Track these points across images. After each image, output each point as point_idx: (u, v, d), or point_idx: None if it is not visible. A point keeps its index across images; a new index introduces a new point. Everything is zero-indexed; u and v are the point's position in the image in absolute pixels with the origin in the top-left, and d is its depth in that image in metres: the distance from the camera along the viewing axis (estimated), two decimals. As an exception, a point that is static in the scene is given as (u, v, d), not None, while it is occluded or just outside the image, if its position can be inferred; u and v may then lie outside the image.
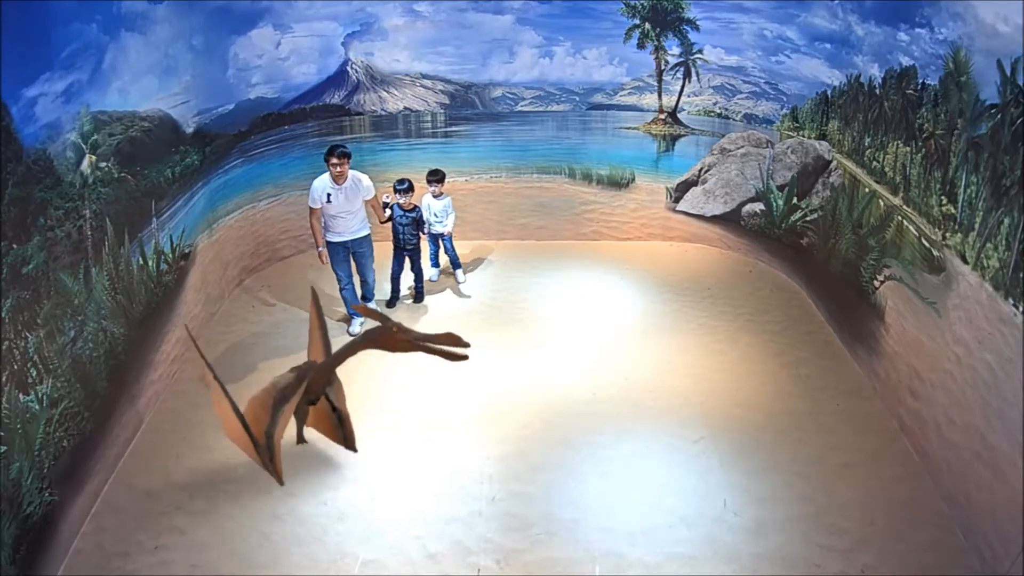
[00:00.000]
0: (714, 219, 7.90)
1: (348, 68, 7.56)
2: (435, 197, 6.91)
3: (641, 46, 7.49)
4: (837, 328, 6.30)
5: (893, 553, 4.06)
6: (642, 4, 7.26)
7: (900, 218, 5.15)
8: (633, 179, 8.04)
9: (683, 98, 7.75)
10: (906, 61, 5.11)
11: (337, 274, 6.25)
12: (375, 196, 6.24)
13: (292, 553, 4.13)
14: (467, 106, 7.88)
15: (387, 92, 7.76)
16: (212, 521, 4.33)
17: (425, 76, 7.72)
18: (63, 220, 4.05)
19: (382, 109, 7.81)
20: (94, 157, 4.44)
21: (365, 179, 6.08)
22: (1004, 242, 3.84)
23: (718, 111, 7.69)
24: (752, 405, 5.34)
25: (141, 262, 5.10)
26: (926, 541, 4.14)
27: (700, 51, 7.43)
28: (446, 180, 7.00)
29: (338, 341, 6.22)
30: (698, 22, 7.26)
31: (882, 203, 5.47)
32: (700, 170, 7.89)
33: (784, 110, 7.18)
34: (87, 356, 4.33)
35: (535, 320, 6.58)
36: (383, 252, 6.75)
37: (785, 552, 4.07)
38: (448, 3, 7.30)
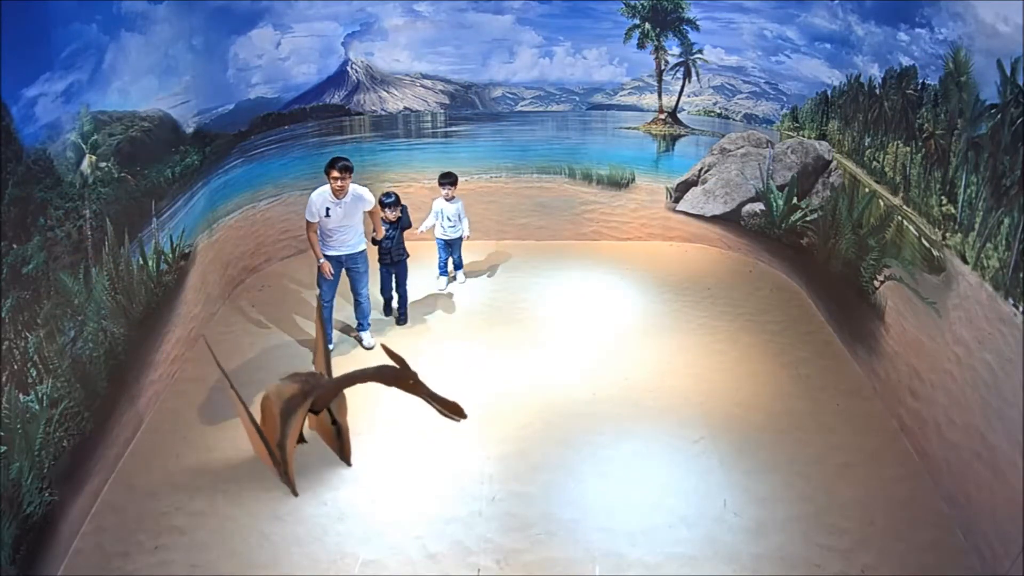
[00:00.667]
0: (714, 219, 7.90)
1: (348, 68, 7.56)
2: (447, 200, 6.80)
3: (641, 46, 7.49)
4: (837, 328, 6.30)
5: (893, 553, 4.06)
6: (642, 4, 7.26)
7: (900, 218, 5.15)
8: (633, 179, 8.04)
9: (683, 98, 7.74)
10: (906, 61, 5.11)
11: (322, 288, 5.89)
12: (375, 208, 6.00)
13: (292, 553, 4.13)
14: (467, 106, 7.88)
15: (387, 92, 7.76)
16: (212, 521, 4.33)
17: (425, 76, 7.72)
18: (63, 220, 4.05)
19: (382, 109, 7.81)
20: (94, 157, 4.44)
21: (367, 193, 5.79)
22: (1004, 242, 3.84)
23: (718, 111, 7.69)
24: (752, 405, 5.34)
25: (141, 262, 5.10)
26: (926, 541, 4.14)
27: (700, 51, 7.43)
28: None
29: (346, 344, 6.25)
30: (698, 22, 7.26)
31: (882, 203, 5.47)
32: (700, 170, 7.89)
33: (784, 110, 7.18)
34: (87, 356, 4.33)
35: (535, 320, 6.58)
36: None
37: (785, 552, 4.07)
38: (448, 3, 7.30)
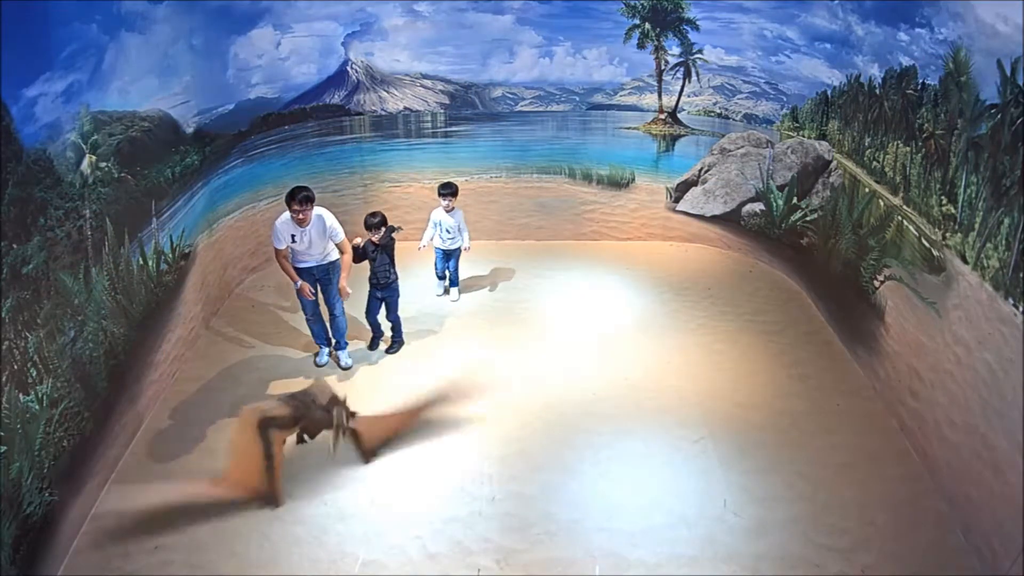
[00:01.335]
0: (714, 219, 7.90)
1: (348, 68, 7.55)
2: (447, 212, 6.56)
3: (641, 46, 7.48)
4: (837, 328, 6.30)
5: (893, 553, 4.05)
6: (642, 4, 7.26)
7: (900, 218, 5.15)
8: (633, 179, 8.03)
9: (683, 98, 7.74)
10: (906, 61, 5.11)
11: (303, 304, 5.70)
12: (344, 241, 5.59)
13: (292, 553, 4.13)
14: (467, 106, 7.88)
15: (387, 92, 7.76)
16: (212, 521, 4.33)
17: (425, 76, 7.72)
18: (63, 220, 4.05)
19: (382, 109, 7.81)
20: (94, 157, 4.44)
21: (328, 217, 5.47)
22: (1004, 242, 3.84)
23: (718, 111, 7.68)
24: (752, 405, 5.34)
25: (141, 262, 5.10)
26: (926, 541, 4.14)
27: (700, 51, 7.43)
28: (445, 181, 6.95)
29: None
30: (698, 22, 7.25)
31: (882, 203, 5.47)
32: (700, 170, 7.89)
33: (784, 110, 7.18)
34: (87, 356, 4.33)
35: (535, 320, 6.58)
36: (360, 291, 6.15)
37: (785, 552, 4.07)
38: (448, 3, 7.29)
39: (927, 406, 4.67)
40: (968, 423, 4.15)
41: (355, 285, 5.98)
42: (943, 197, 4.55)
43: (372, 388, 5.60)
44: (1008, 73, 3.83)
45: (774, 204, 7.34)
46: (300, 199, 5.22)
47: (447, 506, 4.42)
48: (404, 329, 6.23)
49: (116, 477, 4.66)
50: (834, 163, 6.50)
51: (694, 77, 7.60)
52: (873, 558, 4.02)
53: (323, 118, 7.59)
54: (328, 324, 5.89)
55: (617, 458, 4.81)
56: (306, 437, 4.69)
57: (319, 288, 5.71)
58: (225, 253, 6.80)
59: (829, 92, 6.50)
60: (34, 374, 3.76)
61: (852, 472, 4.66)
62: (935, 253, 4.64)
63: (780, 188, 7.26)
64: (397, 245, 5.98)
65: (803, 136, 6.93)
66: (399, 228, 5.96)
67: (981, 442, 3.99)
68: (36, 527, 3.74)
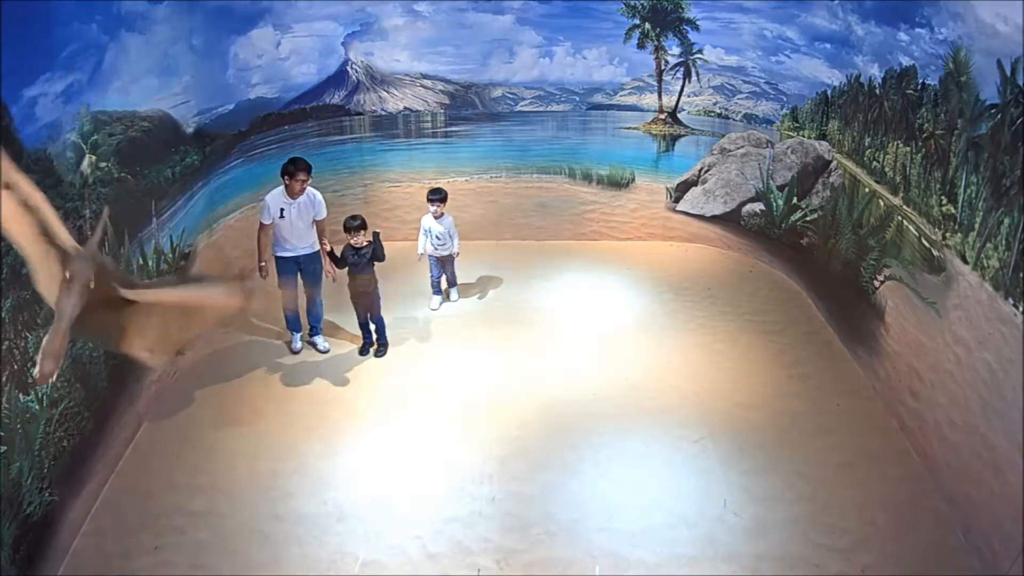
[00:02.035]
0: (714, 219, 7.90)
1: (348, 68, 7.56)
2: (435, 218, 6.45)
3: (641, 46, 7.48)
4: (837, 328, 6.30)
5: (893, 553, 4.05)
6: (642, 4, 7.25)
7: (900, 218, 5.14)
8: (633, 179, 8.03)
9: (683, 98, 7.74)
10: (906, 61, 5.11)
11: (284, 290, 5.79)
12: (324, 219, 5.81)
13: (292, 553, 4.13)
14: (467, 106, 7.88)
15: (387, 92, 7.76)
16: (212, 521, 4.33)
17: (425, 76, 7.72)
18: (63, 220, 4.05)
19: (382, 109, 7.81)
20: (94, 157, 4.44)
21: (319, 196, 5.76)
22: (1004, 242, 3.84)
23: (718, 111, 7.68)
24: (752, 405, 5.33)
25: (141, 262, 5.10)
26: (926, 541, 4.14)
27: (700, 51, 7.43)
28: (444, 183, 6.91)
29: (347, 343, 6.24)
30: (698, 22, 7.25)
31: (882, 203, 5.47)
32: (700, 170, 7.89)
33: (784, 110, 7.18)
34: (87, 356, 4.33)
35: (535, 320, 6.58)
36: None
37: (785, 552, 4.07)
38: (448, 3, 7.29)
39: (927, 406, 4.67)
40: (968, 423, 4.15)
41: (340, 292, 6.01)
42: (943, 197, 4.55)
43: (371, 387, 5.60)
44: (1008, 73, 3.83)
45: (774, 204, 7.34)
46: (304, 167, 5.53)
47: (447, 506, 4.42)
48: (404, 328, 6.22)
49: (116, 477, 4.66)
50: (834, 163, 6.50)
51: (694, 77, 7.60)
52: (873, 558, 4.02)
53: (323, 118, 7.59)
54: (306, 310, 6.07)
55: (617, 458, 4.81)
56: None
57: (302, 276, 5.89)
58: (225, 253, 6.79)
59: (829, 92, 6.50)
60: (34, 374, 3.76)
61: (852, 472, 4.66)
62: (935, 253, 4.64)
63: (780, 188, 7.26)
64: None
65: (803, 136, 6.93)
66: (377, 232, 5.86)
67: (981, 442, 3.99)
68: (36, 527, 3.74)
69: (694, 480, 4.61)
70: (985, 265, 4.02)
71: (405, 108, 7.84)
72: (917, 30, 4.91)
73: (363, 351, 6.08)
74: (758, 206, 7.58)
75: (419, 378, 5.70)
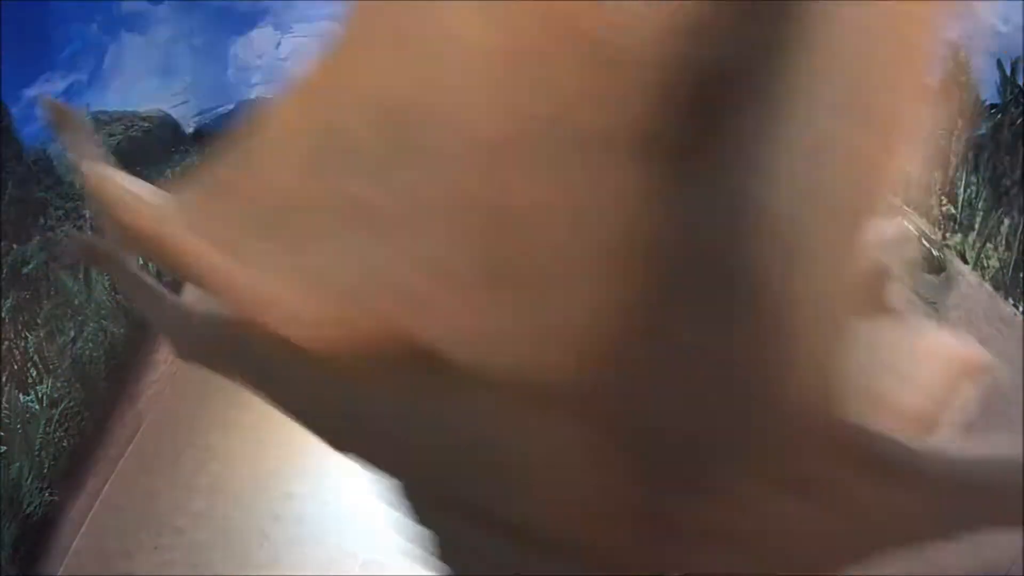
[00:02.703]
0: (714, 219, 7.89)
1: (348, 68, 7.55)
2: None
3: (641, 46, 7.48)
4: (837, 328, 6.29)
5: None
6: (642, 4, 7.25)
7: (900, 218, 5.13)
8: (633, 179, 8.02)
9: (683, 98, 7.73)
10: (906, 61, 5.10)
11: None
12: None
13: (292, 553, 4.12)
14: (467, 106, 7.87)
15: (387, 92, 7.76)
16: (212, 521, 4.32)
17: (425, 76, 7.72)
18: (63, 220, 4.06)
19: (382, 109, 7.80)
20: (94, 157, 4.44)
21: None
22: (1004, 242, 3.84)
23: (718, 111, 7.68)
24: (752, 405, 5.32)
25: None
26: (926, 541, 4.13)
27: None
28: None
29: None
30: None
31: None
32: (700, 170, 7.88)
33: (784, 110, 7.17)
34: (87, 356, 4.33)
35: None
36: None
37: (785, 552, 4.06)
38: (448, 3, 7.29)
39: (927, 406, 4.66)
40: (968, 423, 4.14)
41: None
42: (943, 197, 4.54)
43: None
44: (1008, 73, 3.83)
45: (774, 204, 7.33)
46: None
47: (447, 506, 4.41)
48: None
49: (116, 477, 4.66)
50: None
51: (694, 77, 7.60)
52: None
53: (323, 118, 7.59)
54: None
55: (617, 458, 4.81)
56: None
57: None
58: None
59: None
60: (34, 374, 3.76)
61: (852, 472, 4.66)
62: (935, 253, 4.63)
63: (780, 188, 7.25)
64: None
65: (803, 136, 6.92)
66: None
67: (981, 442, 3.98)
68: (36, 527, 3.74)
69: (694, 480, 4.60)
70: (985, 265, 4.02)
71: (405, 108, 7.84)
72: (917, 30, 4.90)
73: None
74: (758, 206, 7.57)
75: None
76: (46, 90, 3.94)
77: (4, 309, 3.47)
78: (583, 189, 0.60)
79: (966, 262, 4.23)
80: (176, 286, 1.66)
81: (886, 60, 0.75)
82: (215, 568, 4.20)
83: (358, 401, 0.90)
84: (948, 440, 1.00)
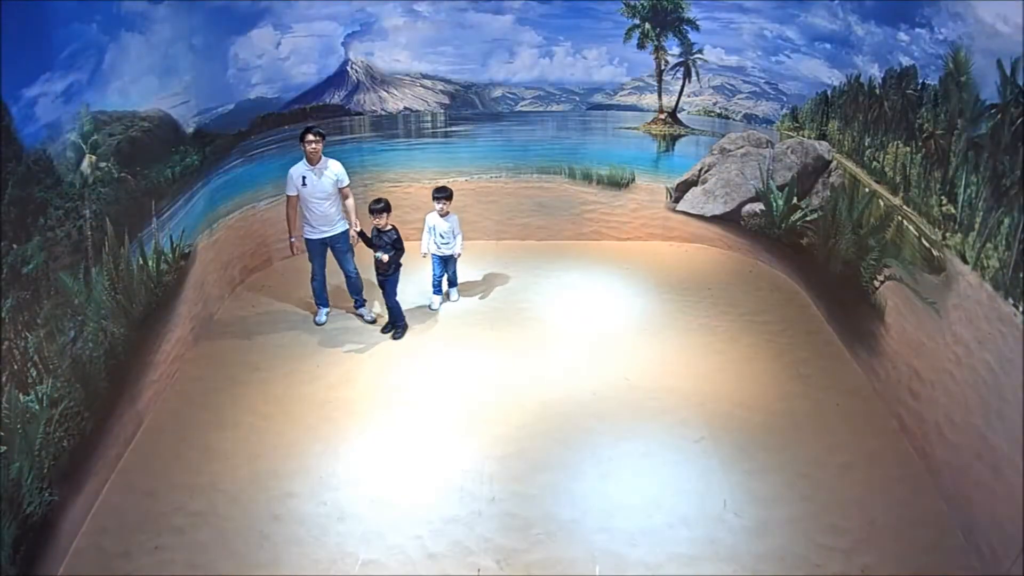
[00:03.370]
0: (714, 219, 7.90)
1: (348, 68, 7.56)
2: (441, 216, 6.48)
3: (641, 46, 7.48)
4: (837, 328, 6.30)
5: (893, 553, 4.05)
6: (642, 4, 7.26)
7: (900, 218, 5.14)
8: (633, 179, 8.03)
9: (683, 98, 7.74)
10: (906, 61, 5.11)
11: (313, 266, 6.32)
12: (348, 186, 6.18)
13: (292, 553, 4.13)
14: (467, 106, 7.88)
15: (387, 92, 7.76)
16: (212, 522, 4.33)
17: (425, 76, 7.72)
18: (63, 220, 4.05)
19: (382, 109, 7.81)
20: (94, 157, 4.44)
21: (336, 165, 6.10)
22: (1004, 242, 3.84)
23: (718, 111, 7.68)
24: (752, 405, 5.33)
25: (141, 262, 5.10)
26: (926, 541, 4.14)
27: (700, 51, 7.43)
28: (445, 183, 6.93)
29: (348, 343, 6.24)
30: (698, 22, 7.25)
31: (882, 203, 5.47)
32: (700, 170, 7.89)
33: (784, 110, 7.18)
34: (87, 356, 4.33)
35: (535, 320, 6.58)
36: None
37: (785, 552, 4.07)
38: (448, 3, 7.30)
39: (927, 406, 4.67)
40: (968, 423, 4.15)
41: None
42: (943, 197, 4.55)
43: (371, 387, 5.60)
44: (1008, 73, 3.83)
45: (774, 204, 7.34)
46: (315, 131, 5.89)
47: (447, 506, 4.42)
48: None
49: (116, 477, 4.66)
50: (834, 163, 6.50)
51: (694, 77, 7.61)
52: (873, 558, 4.02)
53: (323, 118, 7.59)
54: (346, 286, 6.50)
55: (617, 458, 4.81)
56: None
57: (334, 254, 6.32)
58: (225, 253, 6.80)
59: (829, 92, 6.50)
60: (34, 374, 3.76)
61: (852, 472, 4.66)
62: (935, 253, 4.64)
63: (780, 188, 7.26)
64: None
65: (803, 136, 6.93)
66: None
67: (981, 442, 3.99)
68: (36, 527, 3.75)
69: (694, 480, 4.61)
70: (985, 265, 4.03)
71: (405, 108, 7.84)
72: (917, 30, 4.91)
73: (385, 329, 6.42)
74: (758, 206, 7.58)
75: (419, 378, 5.70)
76: (46, 90, 3.92)
77: (4, 309, 3.47)
78: None
79: (966, 262, 4.24)
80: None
81: None
82: (215, 568, 4.21)
83: None
84: None
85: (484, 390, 5.52)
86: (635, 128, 7.92)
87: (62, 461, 4.03)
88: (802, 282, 7.12)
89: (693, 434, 5.02)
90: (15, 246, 3.59)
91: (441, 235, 6.54)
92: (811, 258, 6.90)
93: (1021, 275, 3.68)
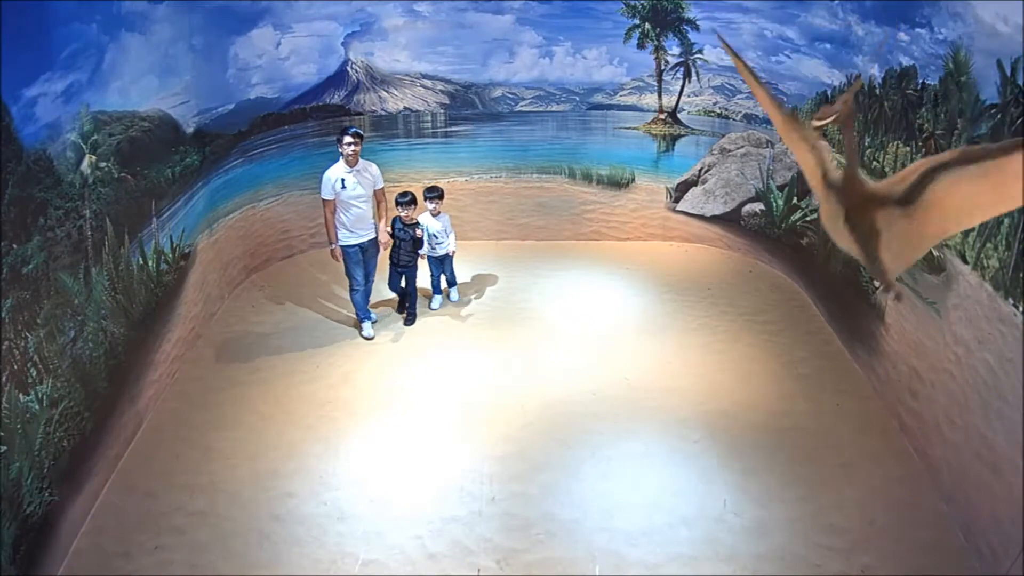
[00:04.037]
0: (714, 219, 7.90)
1: (348, 68, 7.55)
2: (433, 216, 6.49)
3: (641, 46, 7.48)
4: (837, 328, 6.30)
5: (893, 553, 4.05)
6: (642, 4, 7.26)
7: (900, 218, 5.14)
8: (633, 179, 8.03)
9: (683, 98, 7.74)
10: (906, 61, 5.11)
11: (353, 277, 6.07)
12: (382, 189, 6.12)
13: (292, 553, 4.13)
14: (467, 106, 7.88)
15: (387, 92, 7.76)
16: (212, 522, 4.33)
17: (425, 76, 7.72)
18: (63, 220, 4.05)
19: (382, 109, 7.81)
20: (94, 157, 4.44)
21: (374, 167, 6.02)
22: (1004, 242, 3.84)
23: (718, 111, 7.68)
24: (752, 405, 5.33)
25: (141, 262, 5.10)
26: (926, 541, 4.14)
27: (700, 51, 7.43)
28: (444, 183, 6.94)
29: (348, 343, 6.24)
30: (698, 22, 7.25)
31: (882, 203, 5.47)
32: (700, 170, 7.89)
33: (784, 110, 7.17)
34: (87, 356, 4.33)
35: (535, 320, 6.58)
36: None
37: (785, 552, 4.07)
38: (448, 3, 7.29)
39: (927, 406, 4.67)
40: (968, 423, 4.15)
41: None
42: (943, 197, 4.54)
43: (371, 388, 5.60)
44: (1008, 73, 3.83)
45: (774, 204, 7.34)
46: (352, 132, 5.75)
47: (447, 506, 4.42)
48: (404, 328, 6.26)
49: (116, 477, 4.66)
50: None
51: (694, 77, 7.60)
52: (873, 558, 4.02)
53: (323, 118, 7.59)
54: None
55: (617, 458, 4.81)
56: None
57: (363, 260, 6.14)
58: (225, 253, 6.80)
59: (829, 92, 6.50)
60: (34, 374, 3.76)
61: (852, 472, 4.66)
62: (935, 253, 4.64)
63: (780, 188, 7.26)
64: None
65: (803, 136, 6.92)
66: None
67: (981, 442, 3.99)
68: (36, 527, 3.75)
69: (694, 480, 4.61)
70: (985, 265, 4.02)
71: (405, 108, 7.84)
72: (917, 30, 4.91)
73: (399, 309, 6.64)
74: (758, 206, 7.58)
75: (419, 378, 5.70)
76: (46, 90, 3.93)
77: (4, 309, 3.47)
78: None
79: (966, 262, 4.24)
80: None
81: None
82: (215, 568, 4.21)
83: None
84: None
85: (484, 390, 5.52)
86: (635, 128, 7.92)
87: (62, 461, 4.03)
88: (802, 282, 7.12)
89: (693, 434, 5.02)
90: (15, 246, 3.59)
91: (435, 235, 6.51)
92: (811, 258, 6.90)
93: (1021, 275, 3.68)
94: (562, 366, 5.83)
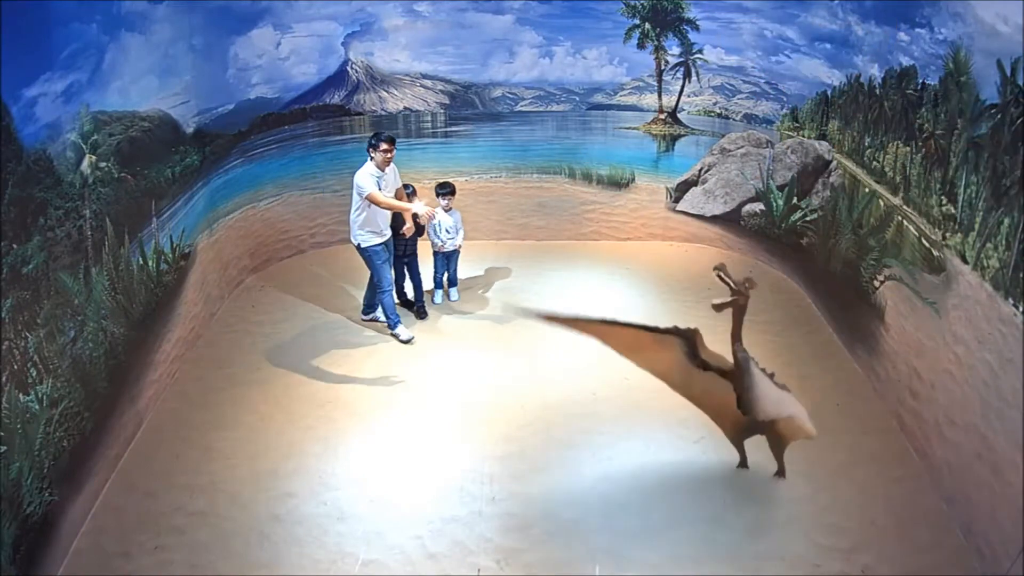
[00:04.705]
0: (714, 219, 7.90)
1: (348, 68, 7.55)
2: (446, 211, 6.63)
3: (641, 46, 7.48)
4: (837, 328, 6.30)
5: (893, 553, 4.05)
6: (642, 4, 7.26)
7: (900, 218, 5.15)
8: (633, 179, 8.03)
9: (683, 98, 7.74)
10: (906, 61, 5.11)
11: (384, 277, 6.07)
12: (402, 194, 6.24)
13: (292, 553, 4.13)
14: (467, 106, 7.88)
15: (387, 92, 7.76)
16: (212, 522, 4.33)
17: (425, 76, 7.72)
18: (63, 220, 4.06)
19: (382, 109, 7.81)
20: (94, 157, 4.44)
21: (394, 168, 6.07)
22: (1004, 242, 3.84)
23: (718, 111, 7.68)
24: (752, 405, 5.33)
25: (141, 262, 5.10)
26: (926, 541, 4.14)
27: (700, 51, 7.43)
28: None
29: (348, 343, 6.24)
30: (698, 22, 7.25)
31: (882, 203, 5.47)
32: (700, 170, 7.89)
33: (784, 110, 7.18)
34: (87, 356, 4.33)
35: (535, 320, 6.57)
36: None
37: (785, 552, 4.07)
38: (448, 3, 7.30)
39: (927, 406, 4.67)
40: (968, 423, 4.15)
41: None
42: (943, 197, 4.55)
43: (371, 387, 5.60)
44: (1008, 73, 3.83)
45: (774, 204, 7.34)
46: (387, 139, 5.80)
47: (447, 506, 4.42)
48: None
49: (116, 477, 4.66)
50: (834, 163, 6.50)
51: (694, 77, 7.60)
52: (873, 558, 4.02)
53: (323, 118, 7.59)
54: (369, 288, 6.43)
55: (617, 458, 4.81)
56: None
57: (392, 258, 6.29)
58: (225, 253, 6.80)
59: (829, 92, 6.50)
60: (34, 374, 3.76)
61: (852, 472, 4.66)
62: (935, 253, 4.64)
63: (780, 188, 7.26)
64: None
65: (803, 136, 6.93)
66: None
67: (981, 442, 3.99)
68: (36, 527, 3.74)
69: (694, 480, 4.61)
70: (985, 265, 4.03)
71: (405, 108, 7.84)
72: (917, 30, 4.91)
73: (409, 305, 6.72)
74: (758, 206, 7.58)
75: (419, 378, 5.70)
76: (46, 90, 3.92)
77: (4, 309, 3.47)
78: None
79: (966, 262, 4.24)
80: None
81: None
82: (215, 568, 4.21)
83: None
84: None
85: (484, 390, 5.52)
86: (635, 128, 7.92)
87: (62, 461, 4.03)
88: (802, 282, 7.12)
89: (692, 434, 5.02)
90: (15, 246, 3.59)
91: (447, 230, 6.65)
92: (811, 258, 6.90)
93: (1021, 275, 3.68)
94: (562, 366, 5.83)
